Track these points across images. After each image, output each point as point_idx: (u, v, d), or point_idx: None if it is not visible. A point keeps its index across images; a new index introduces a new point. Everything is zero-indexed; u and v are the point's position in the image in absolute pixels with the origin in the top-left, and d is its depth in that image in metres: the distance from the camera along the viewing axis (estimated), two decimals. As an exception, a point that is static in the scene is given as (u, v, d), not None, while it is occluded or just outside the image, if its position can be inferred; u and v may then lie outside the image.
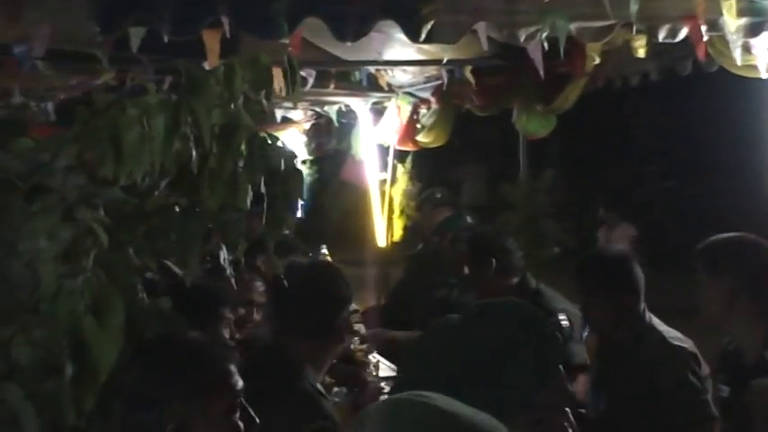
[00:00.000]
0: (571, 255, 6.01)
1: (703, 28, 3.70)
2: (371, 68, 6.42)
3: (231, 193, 2.64)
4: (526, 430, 1.59)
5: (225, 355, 2.24)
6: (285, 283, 2.91)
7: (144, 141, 2.33)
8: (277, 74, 5.26)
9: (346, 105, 8.35)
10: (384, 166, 8.68)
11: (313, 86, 6.18)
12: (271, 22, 3.58)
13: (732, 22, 3.50)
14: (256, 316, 4.42)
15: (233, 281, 2.86)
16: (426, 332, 1.72)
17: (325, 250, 6.15)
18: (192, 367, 2.15)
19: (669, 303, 4.90)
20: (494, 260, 4.63)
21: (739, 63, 3.89)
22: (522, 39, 3.79)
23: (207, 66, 3.98)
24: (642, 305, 3.76)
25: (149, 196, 2.65)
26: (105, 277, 2.25)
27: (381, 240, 8.47)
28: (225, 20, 3.58)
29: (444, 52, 6.02)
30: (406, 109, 7.71)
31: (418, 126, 7.65)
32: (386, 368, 4.85)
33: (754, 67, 3.97)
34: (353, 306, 6.04)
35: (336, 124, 8.84)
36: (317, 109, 8.91)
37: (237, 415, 2.16)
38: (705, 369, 3.61)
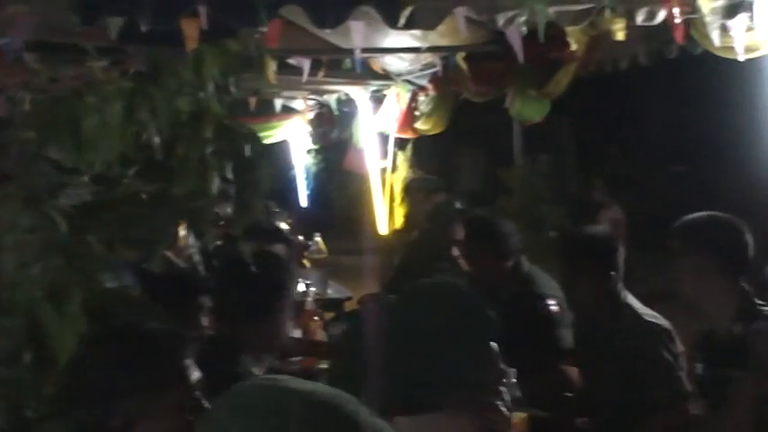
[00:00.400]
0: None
1: (676, 10, 3.68)
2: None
3: (199, 180, 2.66)
4: (461, 410, 1.60)
5: (180, 347, 2.13)
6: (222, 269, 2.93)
7: (102, 129, 2.34)
8: (270, 64, 5.34)
9: (345, 94, 8.36)
10: (385, 154, 8.70)
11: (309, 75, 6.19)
12: (249, 9, 3.58)
13: (706, 3, 3.50)
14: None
15: (201, 268, 2.86)
16: (361, 313, 1.72)
17: (318, 238, 6.15)
18: (143, 361, 2.06)
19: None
20: (490, 243, 4.61)
21: (717, 44, 3.87)
22: (501, 23, 3.79)
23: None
24: (620, 284, 3.78)
25: (118, 185, 2.67)
26: (64, 264, 2.27)
27: (383, 228, 8.49)
28: (202, 9, 3.58)
29: (440, 39, 6.04)
30: (405, 96, 7.73)
31: (417, 113, 7.66)
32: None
33: (733, 49, 3.95)
34: (346, 293, 6.12)
35: (336, 113, 8.85)
36: (317, 98, 8.92)
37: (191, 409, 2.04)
38: (680, 347, 3.63)
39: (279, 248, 4.91)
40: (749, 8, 3.75)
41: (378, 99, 8.24)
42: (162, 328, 2.21)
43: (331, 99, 8.63)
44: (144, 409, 1.98)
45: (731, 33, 3.93)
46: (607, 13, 3.73)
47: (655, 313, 3.72)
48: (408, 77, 7.47)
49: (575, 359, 4.16)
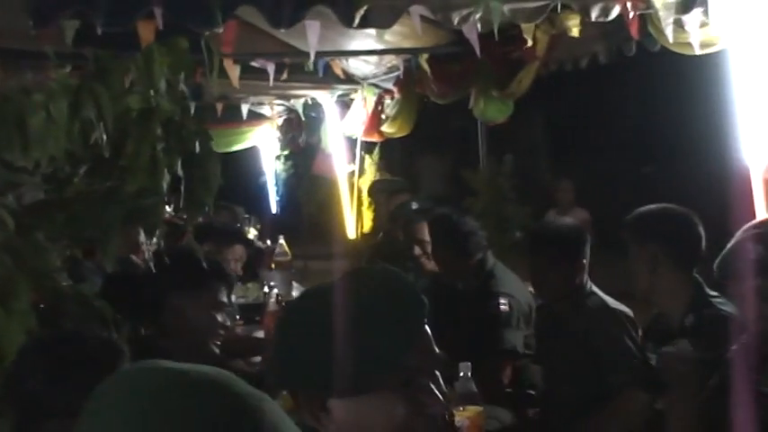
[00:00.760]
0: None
1: (629, 5, 3.71)
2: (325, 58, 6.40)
3: (149, 177, 2.66)
4: (394, 392, 1.61)
5: (112, 358, 2.05)
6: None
7: (49, 126, 2.35)
8: (230, 66, 5.34)
9: (312, 98, 8.38)
10: (353, 158, 8.71)
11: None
12: (204, 11, 3.58)
13: (659, -1, 3.53)
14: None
15: (151, 265, 2.87)
16: (295, 301, 1.74)
17: (282, 241, 6.16)
18: (75, 376, 1.98)
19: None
20: (452, 241, 4.63)
21: (671, 40, 3.91)
22: (457, 21, 3.80)
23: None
24: (587, 274, 3.82)
25: (69, 184, 2.67)
26: (11, 263, 2.27)
27: (351, 232, 8.50)
28: (157, 10, 3.58)
29: (403, 41, 6.07)
30: (371, 100, 7.74)
31: (383, 117, 7.68)
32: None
33: (689, 45, 3.99)
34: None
35: (303, 118, 8.87)
36: (284, 102, 8.93)
37: None
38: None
39: (237, 249, 4.94)
40: (703, 3, 3.78)
41: (344, 103, 8.27)
42: (97, 337, 2.17)
43: (298, 104, 8.64)
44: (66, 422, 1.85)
45: (686, 28, 3.98)
46: (556, 5, 3.74)
47: (619, 303, 3.76)
48: (374, 81, 7.49)
49: (534, 354, 4.20)
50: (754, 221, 3.01)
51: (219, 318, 3.22)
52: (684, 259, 3.23)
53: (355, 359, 1.56)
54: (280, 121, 10.22)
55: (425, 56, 6.26)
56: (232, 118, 8.51)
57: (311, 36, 3.94)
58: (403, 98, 7.22)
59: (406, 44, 6.14)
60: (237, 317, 4.99)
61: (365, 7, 3.68)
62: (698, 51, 3.99)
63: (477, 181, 7.09)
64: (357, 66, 7.25)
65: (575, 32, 4.23)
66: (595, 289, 3.84)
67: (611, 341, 3.59)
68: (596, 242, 4.13)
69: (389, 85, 7.36)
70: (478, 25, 3.84)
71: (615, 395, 3.52)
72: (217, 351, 3.19)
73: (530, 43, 4.43)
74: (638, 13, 3.86)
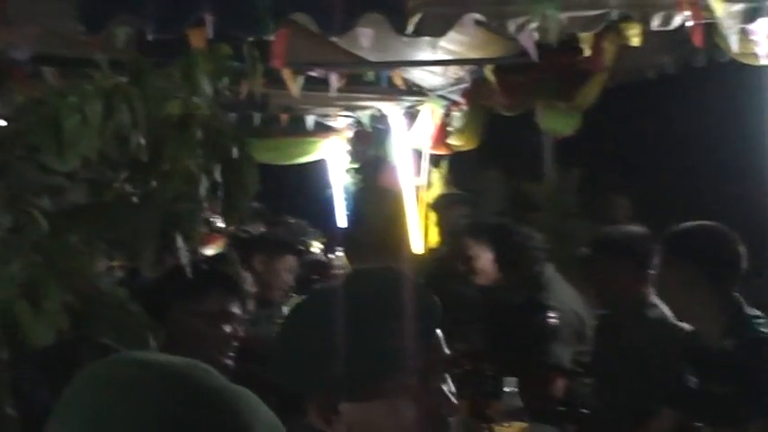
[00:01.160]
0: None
1: (690, 13, 3.60)
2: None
3: (187, 182, 2.65)
4: (406, 393, 1.61)
5: None
6: None
7: (83, 128, 2.34)
8: (288, 76, 5.33)
9: (379, 110, 8.35)
10: (419, 171, 8.64)
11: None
12: (255, 19, 3.58)
13: (719, 6, 3.41)
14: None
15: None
16: (303, 303, 1.71)
17: (341, 253, 6.16)
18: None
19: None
20: (507, 251, 4.61)
21: (735, 50, 3.78)
22: (513, 29, 3.73)
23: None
24: (650, 288, 3.74)
25: (107, 187, 2.68)
26: (42, 263, 2.27)
27: (418, 246, 8.42)
28: (208, 18, 3.58)
29: (470, 52, 6.00)
30: (439, 112, 7.69)
31: (450, 129, 7.61)
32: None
33: (755, 55, 3.86)
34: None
35: (370, 129, 8.84)
36: (350, 114, 8.91)
37: None
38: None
39: (289, 260, 4.91)
40: (770, 13, 3.65)
41: (411, 115, 8.21)
42: (99, 348, 2.05)
43: (364, 115, 8.61)
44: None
45: (752, 38, 3.85)
46: (614, 14, 3.64)
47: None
48: (441, 92, 7.43)
49: (588, 365, 4.12)
50: None
51: (227, 329, 3.03)
52: (722, 279, 3.12)
53: (365, 361, 1.55)
54: (349, 133, 10.20)
55: (490, 67, 6.18)
56: (297, 130, 8.52)
57: (365, 44, 3.92)
58: (470, 110, 7.15)
59: (473, 55, 6.07)
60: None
61: (419, 15, 3.65)
62: (764, 62, 3.86)
63: (540, 194, 6.99)
64: (422, 77, 7.20)
65: (635, 42, 4.12)
66: (658, 301, 3.73)
67: (663, 356, 3.48)
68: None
69: (457, 97, 7.30)
70: (535, 34, 3.75)
71: (655, 412, 3.41)
72: (230, 363, 2.98)
73: (587, 53, 4.34)
74: (701, 22, 3.73)
